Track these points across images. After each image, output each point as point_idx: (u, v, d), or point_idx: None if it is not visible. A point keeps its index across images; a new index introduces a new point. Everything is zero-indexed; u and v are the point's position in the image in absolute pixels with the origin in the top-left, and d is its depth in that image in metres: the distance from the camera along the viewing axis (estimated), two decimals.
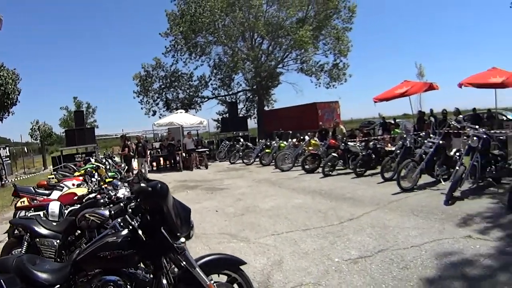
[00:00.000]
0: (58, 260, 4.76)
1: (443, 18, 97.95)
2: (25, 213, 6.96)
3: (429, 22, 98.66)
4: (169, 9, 34.81)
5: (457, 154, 10.17)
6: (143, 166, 17.55)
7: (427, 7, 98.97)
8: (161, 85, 37.44)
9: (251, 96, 39.26)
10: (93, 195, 6.11)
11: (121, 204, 3.55)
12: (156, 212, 3.22)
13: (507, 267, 4.87)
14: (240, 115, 33.10)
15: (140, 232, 3.18)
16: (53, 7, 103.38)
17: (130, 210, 3.39)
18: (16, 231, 5.86)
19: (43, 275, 3.10)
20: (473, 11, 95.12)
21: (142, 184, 3.26)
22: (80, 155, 22.75)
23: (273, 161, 18.61)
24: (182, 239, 3.27)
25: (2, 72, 23.54)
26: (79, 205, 6.12)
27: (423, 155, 10.31)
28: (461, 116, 13.00)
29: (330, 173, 14.46)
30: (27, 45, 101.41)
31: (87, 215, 4.86)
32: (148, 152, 21.25)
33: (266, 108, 38.62)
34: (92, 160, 14.51)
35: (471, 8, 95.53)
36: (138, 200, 3.41)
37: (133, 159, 18.07)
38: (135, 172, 14.77)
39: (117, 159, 20.33)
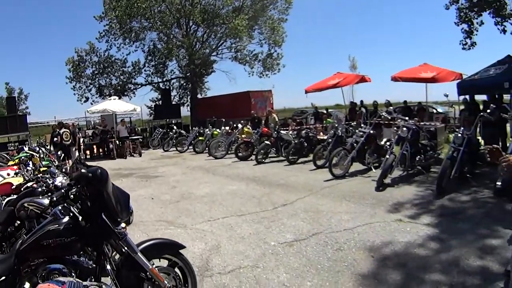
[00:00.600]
0: None
1: (378, 12, 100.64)
2: None
3: (363, 16, 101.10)
4: None
5: (388, 143, 10.56)
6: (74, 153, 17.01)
7: (363, 1, 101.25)
8: (94, 70, 36.12)
9: (184, 84, 38.82)
10: (30, 184, 5.92)
11: (63, 191, 3.46)
12: (96, 198, 3.20)
13: (435, 248, 5.16)
14: (174, 103, 32.79)
15: (80, 218, 3.15)
16: None
17: (72, 196, 3.30)
18: None
19: None
20: (407, 7, 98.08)
21: (83, 170, 3.25)
22: (12, 144, 21.80)
23: (207, 148, 18.56)
24: (123, 225, 3.32)
25: None
26: (16, 195, 5.90)
27: (354, 144, 10.66)
28: (391, 107, 13.46)
29: (263, 160, 14.59)
30: None
31: (25, 205, 4.67)
32: (81, 139, 20.80)
33: (199, 96, 38.35)
34: (26, 149, 13.94)
35: (406, 3, 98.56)
36: (79, 186, 3.34)
37: (72, 147, 17.42)
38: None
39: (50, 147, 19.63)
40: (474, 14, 15.89)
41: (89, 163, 11.97)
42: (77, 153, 17.61)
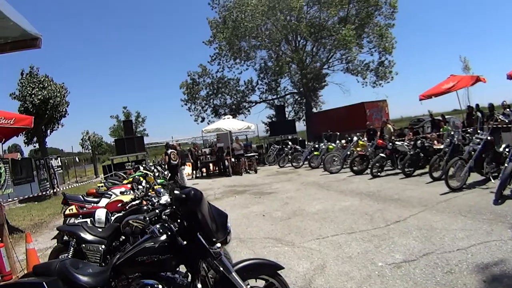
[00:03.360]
0: (103, 264, 4.95)
1: (488, 9, 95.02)
2: (74, 220, 7.28)
3: (471, 14, 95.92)
4: (210, 17, 35.35)
5: (507, 149, 9.74)
6: (178, 173, 17.72)
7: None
8: (208, 91, 37.91)
9: (298, 99, 39.24)
10: (137, 202, 6.27)
11: (157, 211, 3.70)
12: (191, 218, 3.34)
13: None
14: (289, 118, 33.26)
15: (177, 237, 3.33)
16: (102, 21, 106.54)
17: (165, 216, 3.53)
18: (64, 237, 6.09)
19: (84, 278, 3.27)
20: None
21: (176, 192, 3.40)
22: (130, 163, 23.21)
23: (322, 163, 18.54)
24: (218, 244, 3.39)
25: (50, 86, 24.51)
26: (124, 212, 6.36)
27: (472, 152, 10.04)
28: (508, 109, 12.55)
29: (379, 174, 14.31)
30: (77, 59, 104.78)
31: (130, 221, 5.04)
32: (192, 159, 21.99)
33: (314, 110, 38.47)
34: (141, 168, 14.81)
35: None
36: (174, 207, 3.55)
37: (180, 167, 18.24)
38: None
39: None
40: None
41: (204, 181, 12.82)
42: (183, 173, 18.25)
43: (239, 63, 36.62)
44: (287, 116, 33.84)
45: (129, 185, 9.87)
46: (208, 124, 34.62)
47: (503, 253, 5.42)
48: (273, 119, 35.53)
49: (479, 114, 16.69)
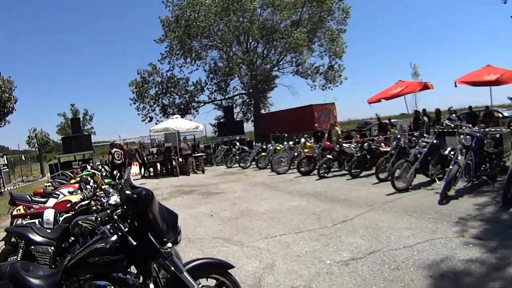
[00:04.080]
0: (53, 266, 4.77)
1: (437, 17, 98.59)
2: (21, 221, 7.02)
3: (422, 22, 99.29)
4: (163, 15, 34.92)
5: (452, 153, 10.01)
6: (125, 173, 17.41)
7: (422, 7, 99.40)
8: (157, 91, 37.42)
9: (247, 100, 39.30)
10: (86, 202, 6.13)
11: (108, 211, 3.56)
12: (142, 218, 3.28)
13: (500, 268, 4.79)
14: (237, 119, 33.27)
15: (128, 237, 3.26)
16: (50, 16, 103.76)
17: (116, 216, 3.42)
18: (12, 239, 5.84)
19: (36, 281, 3.15)
20: (467, 10, 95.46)
21: (127, 192, 3.36)
22: (77, 162, 22.70)
23: (269, 164, 18.58)
24: (169, 244, 3.36)
25: None
26: (73, 212, 6.16)
27: (418, 155, 10.25)
28: (454, 114, 12.90)
29: (326, 175, 14.41)
30: (24, 53, 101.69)
31: (80, 222, 4.95)
32: (139, 158, 21.87)
33: (262, 112, 38.61)
34: (89, 167, 14.43)
35: (465, 7, 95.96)
36: (125, 207, 3.48)
37: (126, 167, 17.90)
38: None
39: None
40: None
41: (152, 181, 12.54)
42: (129, 173, 17.95)
43: (190, 63, 36.37)
44: (235, 117, 33.90)
45: (76, 185, 9.60)
46: (156, 123, 34.21)
47: (448, 250, 5.52)
48: (221, 120, 35.44)
49: (425, 118, 17.17)
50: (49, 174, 24.89)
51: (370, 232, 6.84)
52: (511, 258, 5.00)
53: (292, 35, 30.62)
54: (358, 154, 13.76)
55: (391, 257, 5.45)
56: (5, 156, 27.53)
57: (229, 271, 3.74)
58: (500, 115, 21.33)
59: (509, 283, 4.37)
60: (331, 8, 33.46)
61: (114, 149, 17.45)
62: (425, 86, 17.59)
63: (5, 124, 26.02)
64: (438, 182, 10.14)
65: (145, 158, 23.30)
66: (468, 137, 8.90)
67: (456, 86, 15.24)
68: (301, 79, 37.38)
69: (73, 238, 5.26)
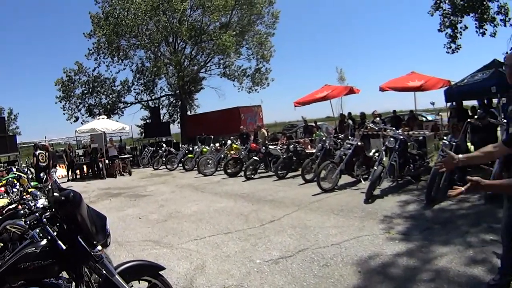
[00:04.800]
0: None
1: (363, 23, 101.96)
2: None
3: (349, 28, 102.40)
4: (93, 11, 33.87)
5: (376, 154, 10.39)
6: (51, 175, 16.80)
7: (348, 12, 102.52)
8: (83, 90, 36.12)
9: (174, 101, 38.84)
10: (13, 205, 5.83)
11: (37, 215, 3.37)
12: (71, 220, 3.20)
13: (424, 262, 4.97)
14: (163, 121, 32.88)
15: (58, 241, 3.14)
16: None
17: (45, 219, 3.29)
18: None
19: None
20: (391, 16, 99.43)
21: (55, 194, 3.26)
22: (1, 164, 21.64)
23: (196, 166, 18.43)
24: (99, 247, 3.29)
25: None
26: (0, 217, 5.81)
27: (343, 156, 10.51)
28: (379, 118, 13.33)
29: (252, 176, 14.48)
30: None
31: (8, 227, 4.73)
32: (67, 160, 21.13)
33: (189, 113, 38.34)
34: (14, 170, 13.79)
35: (390, 13, 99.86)
36: (54, 209, 3.36)
37: (52, 169, 17.21)
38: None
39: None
40: (458, 19, 15.78)
41: (79, 183, 12.10)
42: (55, 175, 17.33)
43: (117, 62, 35.39)
44: (162, 118, 33.42)
45: (2, 188, 9.18)
46: (82, 124, 32.98)
47: (375, 246, 5.69)
48: (148, 121, 34.92)
49: (350, 121, 17.64)
50: None
51: (298, 231, 6.90)
52: (436, 251, 5.23)
53: (221, 38, 30.54)
54: (284, 156, 13.88)
55: (320, 255, 5.52)
56: None
57: (160, 272, 3.71)
58: (424, 119, 22.34)
59: (435, 275, 4.55)
60: (260, 12, 33.75)
61: (39, 151, 16.70)
62: (351, 91, 18.11)
63: None
64: (363, 182, 10.47)
65: (73, 160, 22.55)
66: (391, 139, 9.27)
67: (382, 90, 15.76)
68: (228, 81, 37.35)
69: (1, 244, 4.95)
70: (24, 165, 18.92)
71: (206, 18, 33.22)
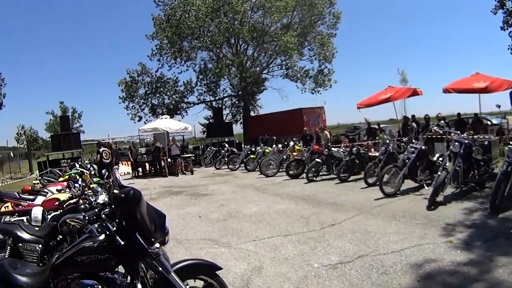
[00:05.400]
0: (41, 264, 4.74)
1: (427, 24, 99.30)
2: (9, 218, 6.99)
3: (412, 29, 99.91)
4: (155, 13, 34.75)
5: (440, 159, 10.06)
6: (112, 172, 17.29)
7: (411, 14, 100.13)
8: (146, 90, 37.14)
9: (236, 102, 39.22)
10: (74, 200, 6.15)
11: (96, 210, 3.53)
12: (130, 217, 3.28)
13: (486, 273, 4.82)
14: (226, 121, 33.25)
15: (117, 237, 3.26)
16: (39, 13, 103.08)
17: (103, 216, 3.40)
18: (0, 236, 5.79)
19: (23, 279, 3.13)
20: (456, 17, 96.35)
21: (115, 191, 3.36)
22: (65, 161, 22.53)
23: (258, 166, 18.60)
24: (157, 245, 3.33)
25: None
26: (61, 211, 6.14)
27: (406, 160, 10.26)
28: (443, 121, 12.99)
29: (314, 178, 14.42)
30: (11, 50, 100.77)
31: (68, 221, 4.93)
32: (132, 157, 21.90)
33: (252, 114, 38.62)
34: (77, 166, 14.34)
35: (455, 14, 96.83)
36: (113, 206, 3.45)
37: (114, 166, 17.78)
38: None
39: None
40: None
41: (140, 181, 12.46)
42: (117, 172, 17.80)
43: (180, 63, 36.15)
44: (224, 118, 33.82)
45: (65, 183, 9.57)
46: (145, 123, 33.98)
47: (436, 255, 5.54)
48: (211, 121, 35.40)
49: (414, 124, 17.24)
50: (37, 171, 24.66)
51: (359, 236, 6.84)
52: (499, 263, 5.04)
53: (282, 39, 30.58)
54: (347, 159, 13.78)
55: (379, 262, 5.45)
56: None
57: (217, 272, 3.72)
58: (489, 123, 21.50)
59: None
60: (322, 13, 33.53)
61: (102, 148, 17.34)
62: (414, 92, 17.65)
63: None
64: (426, 187, 10.21)
65: (137, 157, 23.22)
66: (456, 143, 8.96)
67: (445, 92, 15.31)
68: (290, 82, 37.51)
69: (61, 237, 5.19)
70: (87, 162, 19.52)
71: (267, 19, 33.38)
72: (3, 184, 19.48)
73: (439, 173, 8.78)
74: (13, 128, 52.58)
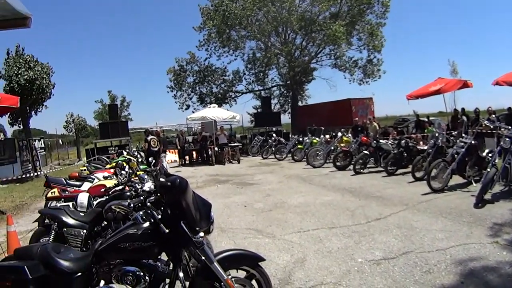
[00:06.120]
0: (84, 249, 4.90)
1: (477, 16, 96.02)
2: (56, 203, 7.37)
3: (462, 20, 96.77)
4: (202, 4, 35.07)
5: (490, 155, 9.83)
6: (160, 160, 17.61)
7: (459, 4, 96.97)
8: (195, 79, 37.64)
9: (284, 91, 39.18)
10: (120, 187, 6.31)
11: (141, 198, 3.67)
12: (175, 206, 3.36)
13: None
14: (274, 110, 33.26)
15: (162, 225, 3.33)
16: (88, 2, 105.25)
17: (149, 203, 3.51)
18: (45, 221, 6.05)
19: (66, 263, 3.25)
20: (507, 9, 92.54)
21: (162, 179, 3.45)
22: (113, 148, 23.02)
23: (305, 157, 18.65)
24: (201, 234, 3.42)
25: (36, 66, 24.11)
26: (107, 197, 6.36)
27: (455, 155, 10.08)
28: (494, 115, 12.63)
29: (361, 170, 14.40)
30: (61, 40, 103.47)
31: (113, 207, 5.10)
32: (179, 145, 22.39)
33: (300, 104, 38.52)
34: (124, 153, 14.71)
35: (505, 6, 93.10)
36: (159, 194, 3.56)
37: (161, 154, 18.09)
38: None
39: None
40: None
41: (187, 169, 12.76)
42: (164, 160, 18.10)
43: (228, 52, 36.43)
44: (272, 108, 33.81)
45: (112, 170, 9.83)
46: (193, 112, 34.45)
47: (481, 255, 5.48)
48: (259, 110, 35.64)
49: (464, 118, 16.86)
50: (85, 158, 25.32)
51: (404, 232, 6.84)
52: None
53: (331, 28, 30.28)
54: (395, 151, 13.66)
55: (424, 259, 5.44)
56: (42, 140, 28.36)
57: (260, 263, 3.74)
58: None
59: None
60: (370, 2, 32.92)
61: (150, 136, 17.67)
62: (465, 84, 17.21)
63: (43, 109, 26.67)
64: (474, 184, 10.01)
65: (184, 146, 23.59)
66: (507, 139, 8.69)
67: (495, 85, 14.88)
68: (339, 72, 37.01)
69: (105, 223, 5.39)
70: (135, 149, 19.98)
71: (316, 8, 33.18)
72: (51, 170, 20.24)
73: (488, 169, 8.60)
74: (62, 116, 54.29)
